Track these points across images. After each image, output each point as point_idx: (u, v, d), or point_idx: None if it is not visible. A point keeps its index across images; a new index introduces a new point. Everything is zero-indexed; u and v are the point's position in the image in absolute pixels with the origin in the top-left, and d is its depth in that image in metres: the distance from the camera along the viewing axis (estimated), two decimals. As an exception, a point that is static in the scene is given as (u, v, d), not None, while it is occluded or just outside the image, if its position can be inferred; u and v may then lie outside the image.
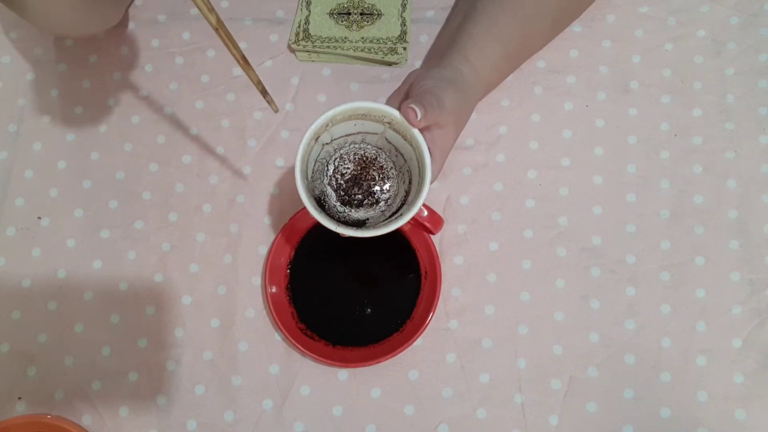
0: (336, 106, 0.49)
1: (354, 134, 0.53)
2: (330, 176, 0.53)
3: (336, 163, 0.53)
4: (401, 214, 0.48)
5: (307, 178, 0.50)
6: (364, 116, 0.51)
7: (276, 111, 0.49)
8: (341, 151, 0.53)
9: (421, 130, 0.49)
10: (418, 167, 0.50)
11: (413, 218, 0.49)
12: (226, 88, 0.65)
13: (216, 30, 0.43)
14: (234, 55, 0.45)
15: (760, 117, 0.63)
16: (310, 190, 0.50)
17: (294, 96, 0.65)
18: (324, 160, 0.53)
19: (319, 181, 0.52)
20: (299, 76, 0.65)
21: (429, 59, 0.65)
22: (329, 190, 0.52)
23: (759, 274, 0.59)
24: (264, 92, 0.47)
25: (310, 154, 0.51)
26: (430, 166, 0.49)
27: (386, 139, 0.53)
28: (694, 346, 0.57)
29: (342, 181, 0.53)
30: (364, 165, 0.53)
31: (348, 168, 0.53)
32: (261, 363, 0.58)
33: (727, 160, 0.62)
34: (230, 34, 0.43)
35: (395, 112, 0.49)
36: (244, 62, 0.45)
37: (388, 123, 0.51)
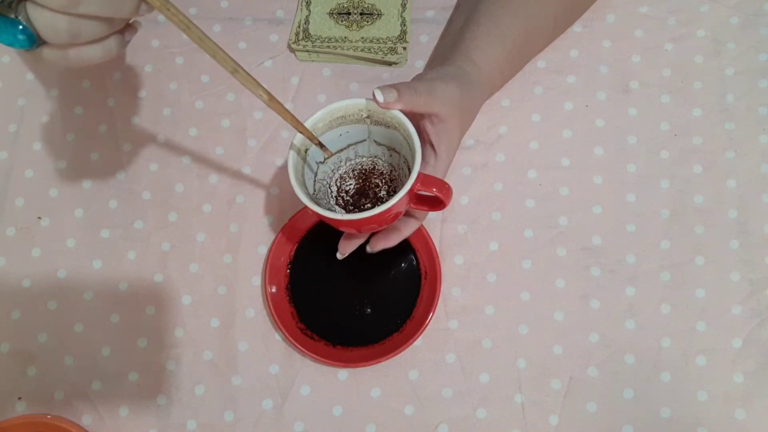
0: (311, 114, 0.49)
1: (345, 149, 0.54)
2: (335, 196, 0.54)
3: (338, 184, 0.55)
4: (402, 188, 0.47)
5: (305, 185, 0.50)
6: (344, 119, 0.51)
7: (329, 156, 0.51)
8: (339, 172, 0.55)
9: (421, 124, 0.49)
10: (409, 147, 0.49)
11: (419, 196, 0.49)
12: (226, 88, 0.65)
13: (269, 105, 0.44)
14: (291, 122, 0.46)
15: (760, 117, 0.63)
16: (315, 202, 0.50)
17: (294, 96, 0.65)
18: (324, 182, 0.54)
19: (324, 201, 0.53)
20: (299, 76, 0.65)
21: (432, 61, 0.65)
22: (338, 209, 0.54)
23: (759, 274, 0.59)
24: (315, 141, 0.49)
25: (304, 169, 0.51)
26: (416, 135, 0.48)
27: (375, 141, 0.53)
28: (694, 346, 0.57)
29: (348, 197, 0.54)
30: (365, 177, 0.55)
31: (350, 184, 0.54)
32: (261, 363, 0.58)
33: (727, 160, 0.62)
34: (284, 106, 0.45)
35: (364, 101, 0.49)
36: (296, 123, 0.46)
37: (367, 117, 0.51)
